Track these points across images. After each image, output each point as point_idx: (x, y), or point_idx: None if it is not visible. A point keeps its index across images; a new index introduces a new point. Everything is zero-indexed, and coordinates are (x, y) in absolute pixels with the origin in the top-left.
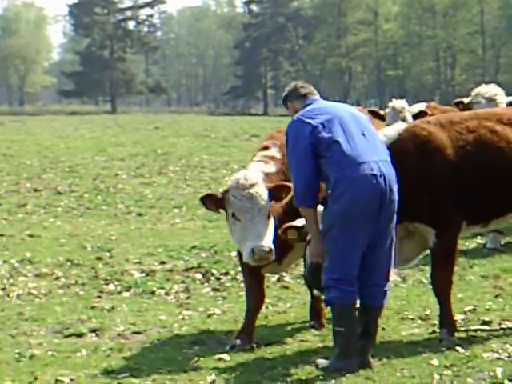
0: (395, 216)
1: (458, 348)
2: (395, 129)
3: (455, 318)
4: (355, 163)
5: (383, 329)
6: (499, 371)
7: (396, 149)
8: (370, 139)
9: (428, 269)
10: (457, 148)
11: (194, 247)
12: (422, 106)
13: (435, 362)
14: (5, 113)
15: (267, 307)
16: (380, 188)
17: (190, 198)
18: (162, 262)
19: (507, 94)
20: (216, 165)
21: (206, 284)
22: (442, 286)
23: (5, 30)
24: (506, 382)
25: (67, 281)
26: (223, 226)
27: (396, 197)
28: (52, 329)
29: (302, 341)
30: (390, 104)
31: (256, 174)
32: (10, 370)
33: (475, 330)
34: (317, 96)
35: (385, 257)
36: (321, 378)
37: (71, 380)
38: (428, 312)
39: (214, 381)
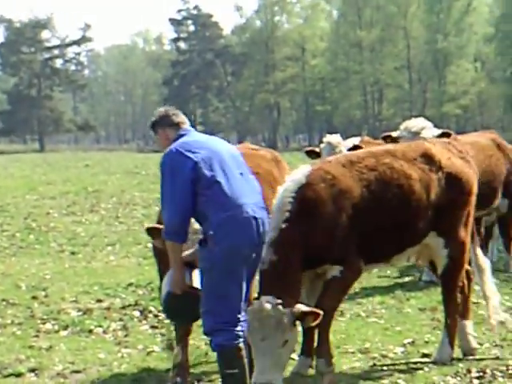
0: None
1: (399, 381)
2: (301, 173)
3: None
4: (236, 205)
5: None
6: None
7: (304, 194)
8: (246, 180)
9: (365, 302)
10: (360, 188)
11: (131, 284)
12: (356, 141)
13: None
14: None
15: (206, 343)
16: (256, 231)
17: (124, 236)
18: (99, 300)
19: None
20: (148, 201)
21: (144, 321)
22: (327, 316)
23: None
24: None
25: (3, 320)
26: None
27: (265, 239)
28: None
29: None
30: (325, 139)
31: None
32: None
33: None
34: (188, 126)
35: (244, 299)
36: None
37: None
38: (368, 345)
39: None
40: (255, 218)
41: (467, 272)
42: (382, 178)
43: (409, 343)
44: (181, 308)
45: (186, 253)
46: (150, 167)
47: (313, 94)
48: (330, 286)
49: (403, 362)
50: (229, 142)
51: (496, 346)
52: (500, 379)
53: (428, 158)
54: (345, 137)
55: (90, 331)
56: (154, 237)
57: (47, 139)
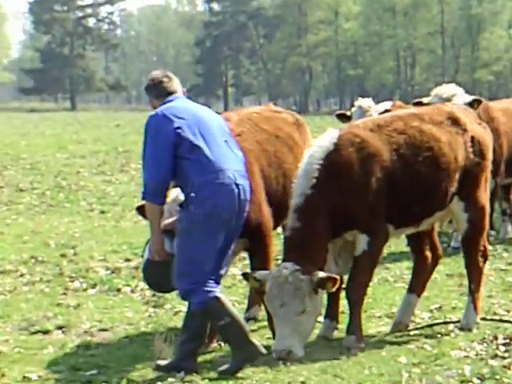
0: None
1: (425, 346)
2: (328, 138)
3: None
4: (218, 169)
5: None
6: (467, 369)
7: (332, 159)
8: (230, 147)
9: (393, 267)
10: (390, 151)
11: None
12: (387, 105)
13: (403, 359)
14: None
15: (234, 305)
16: (238, 197)
17: None
18: (127, 260)
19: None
20: None
21: None
22: (359, 292)
23: None
24: (474, 379)
25: (32, 278)
26: None
27: (247, 209)
28: (18, 326)
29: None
30: (357, 103)
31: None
32: None
33: (443, 323)
34: (179, 93)
35: (225, 262)
36: (287, 373)
37: (39, 377)
38: (394, 310)
39: (183, 377)
40: (236, 184)
41: (435, 248)
42: (411, 141)
43: (436, 309)
44: (160, 276)
45: (168, 221)
46: None
47: (345, 57)
48: (360, 260)
49: (430, 327)
50: (260, 104)
51: None
52: None
53: (454, 121)
54: (376, 101)
55: (118, 290)
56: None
57: (78, 98)
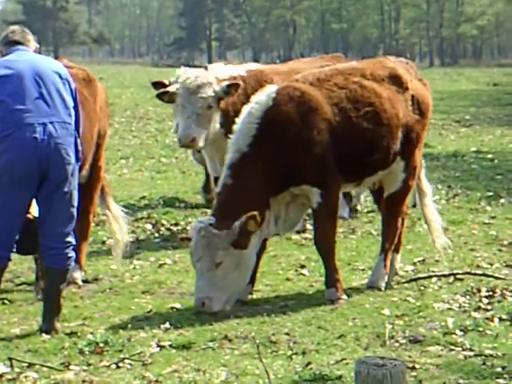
0: (72, 180)
1: (409, 298)
2: (266, 93)
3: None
4: (19, 124)
5: None
6: (450, 321)
7: (272, 114)
8: (47, 99)
9: (376, 220)
10: (331, 105)
11: (143, 198)
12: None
13: (387, 311)
14: None
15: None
16: (40, 152)
17: (137, 149)
18: None
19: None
20: (162, 116)
21: (157, 234)
22: (327, 245)
23: None
24: (457, 331)
25: None
26: (171, 177)
27: (70, 160)
28: (3, 277)
29: (254, 290)
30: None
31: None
32: None
33: (424, 278)
34: (24, 46)
35: (60, 221)
36: (274, 326)
37: (22, 329)
38: None
39: (167, 328)
40: (36, 139)
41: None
42: (352, 95)
43: (419, 261)
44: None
45: None
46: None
47: (329, 11)
48: (318, 212)
49: (414, 278)
50: (243, 58)
51: (506, 266)
52: (510, 299)
53: (395, 79)
54: (361, 56)
55: (103, 242)
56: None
57: (62, 51)
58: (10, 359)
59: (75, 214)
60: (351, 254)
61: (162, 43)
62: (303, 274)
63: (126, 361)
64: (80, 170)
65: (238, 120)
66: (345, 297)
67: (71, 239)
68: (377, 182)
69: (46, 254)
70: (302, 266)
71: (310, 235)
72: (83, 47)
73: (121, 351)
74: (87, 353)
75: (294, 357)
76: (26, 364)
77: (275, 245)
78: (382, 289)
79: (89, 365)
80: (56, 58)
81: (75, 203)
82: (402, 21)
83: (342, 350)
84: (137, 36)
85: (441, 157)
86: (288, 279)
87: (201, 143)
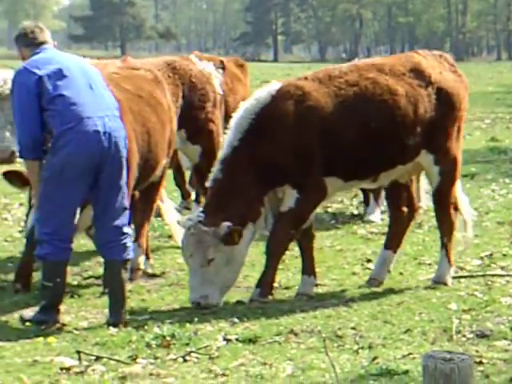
0: (124, 173)
1: (476, 293)
2: (268, 89)
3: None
4: (79, 118)
5: (401, 273)
6: None
7: (268, 111)
8: (97, 93)
9: None
10: (336, 104)
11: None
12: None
13: (453, 306)
14: (15, 57)
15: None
16: (102, 146)
17: None
18: None
19: None
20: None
21: None
22: (277, 249)
23: None
24: None
25: None
26: None
27: (124, 153)
28: (71, 271)
29: (320, 285)
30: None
31: None
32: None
33: (492, 275)
34: (49, 44)
35: (116, 213)
36: (345, 316)
37: (89, 322)
38: None
39: (234, 322)
40: (104, 132)
41: (412, 203)
42: (362, 93)
43: (486, 256)
44: None
45: None
46: None
47: (396, 4)
48: (283, 216)
49: (480, 274)
50: (309, 52)
51: None
52: None
53: (417, 73)
54: (428, 48)
55: (170, 236)
56: (13, 181)
57: (129, 46)
58: (78, 352)
59: (128, 205)
60: (417, 249)
61: (228, 38)
62: (369, 269)
63: (193, 354)
64: (154, 171)
65: (235, 115)
66: (265, 299)
67: (127, 229)
68: (403, 176)
69: (104, 247)
70: (368, 261)
71: (376, 229)
72: (150, 42)
73: (187, 345)
74: (154, 346)
75: (360, 351)
76: (93, 357)
77: (341, 239)
78: (449, 284)
79: (156, 358)
80: (123, 53)
81: (127, 195)
82: (468, 14)
83: (408, 344)
84: (203, 31)
85: (508, 150)
86: (354, 273)
87: None
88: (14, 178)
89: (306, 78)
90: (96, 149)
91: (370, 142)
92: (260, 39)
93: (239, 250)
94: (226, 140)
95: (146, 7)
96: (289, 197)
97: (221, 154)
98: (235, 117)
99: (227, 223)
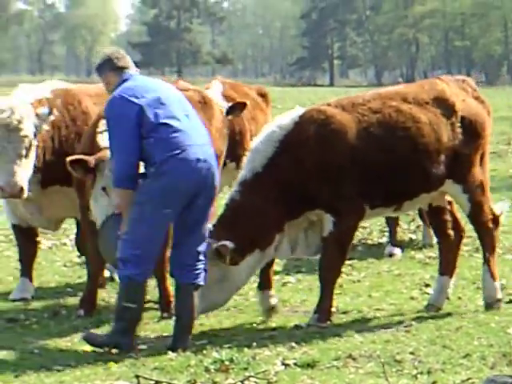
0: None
1: None
2: (290, 116)
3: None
4: (183, 145)
5: (459, 298)
6: None
7: (292, 138)
8: (193, 121)
9: (501, 238)
10: (359, 130)
11: None
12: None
13: None
14: (72, 83)
15: (341, 276)
16: (201, 173)
17: None
18: None
19: None
20: None
21: None
22: (329, 275)
23: (73, 1)
24: None
25: None
26: None
27: (217, 182)
28: None
29: (378, 309)
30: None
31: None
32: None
33: None
34: (133, 70)
35: (200, 240)
36: (403, 339)
37: (145, 343)
38: (504, 281)
39: (292, 347)
40: (199, 160)
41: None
42: (385, 120)
43: None
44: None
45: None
46: (286, 101)
47: (452, 29)
48: (327, 242)
49: None
50: (366, 76)
51: None
52: None
53: (441, 102)
54: (484, 72)
55: None
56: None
57: (185, 71)
58: (137, 377)
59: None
60: (476, 273)
61: (284, 63)
62: (427, 293)
63: (251, 379)
64: None
65: (256, 139)
66: (324, 325)
67: (203, 256)
68: (428, 203)
69: (181, 271)
70: (427, 285)
71: (434, 254)
72: (207, 67)
73: (246, 369)
74: (213, 371)
75: (419, 376)
76: (152, 382)
77: (399, 263)
78: (499, 296)
79: (214, 383)
80: (179, 78)
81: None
82: None
83: (467, 369)
84: (259, 56)
85: None
86: (412, 298)
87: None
88: (78, 165)
89: (329, 104)
90: (196, 176)
91: (393, 169)
92: (316, 64)
93: (237, 272)
94: (248, 162)
95: (203, 33)
96: (326, 221)
97: (241, 176)
98: (258, 141)
99: (226, 242)
